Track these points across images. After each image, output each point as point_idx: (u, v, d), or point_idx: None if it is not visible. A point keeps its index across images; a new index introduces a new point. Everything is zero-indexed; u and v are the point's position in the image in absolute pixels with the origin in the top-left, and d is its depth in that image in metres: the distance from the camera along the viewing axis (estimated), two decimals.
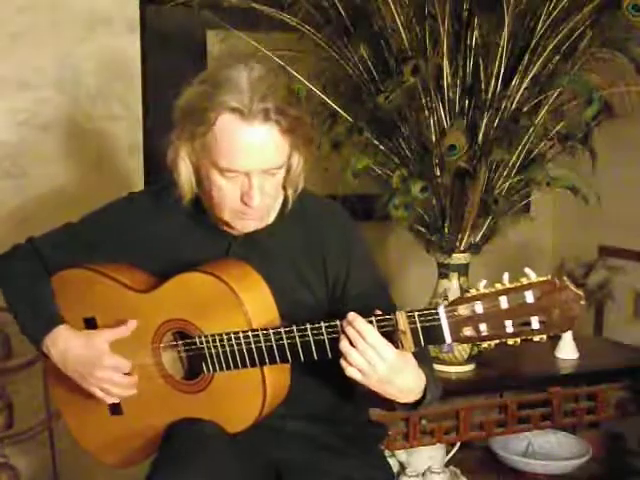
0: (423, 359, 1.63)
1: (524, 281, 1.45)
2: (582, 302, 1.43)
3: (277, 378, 1.67)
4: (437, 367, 2.54)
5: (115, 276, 1.77)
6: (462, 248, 2.49)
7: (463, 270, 2.52)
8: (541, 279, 1.43)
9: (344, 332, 1.53)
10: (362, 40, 2.39)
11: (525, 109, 2.38)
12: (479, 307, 1.46)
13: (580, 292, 1.43)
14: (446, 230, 2.47)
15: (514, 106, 2.37)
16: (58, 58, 2.71)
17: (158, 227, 1.78)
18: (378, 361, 1.51)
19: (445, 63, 2.33)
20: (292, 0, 2.40)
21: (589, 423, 2.80)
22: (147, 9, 2.81)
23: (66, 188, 2.75)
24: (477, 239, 2.50)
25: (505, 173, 2.44)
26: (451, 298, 2.46)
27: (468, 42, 2.36)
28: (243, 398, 1.67)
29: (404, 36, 2.33)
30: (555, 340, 2.73)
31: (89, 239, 1.83)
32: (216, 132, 1.59)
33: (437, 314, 1.49)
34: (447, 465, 2.66)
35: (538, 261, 3.51)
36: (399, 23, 2.31)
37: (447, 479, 2.60)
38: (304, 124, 1.64)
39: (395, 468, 2.51)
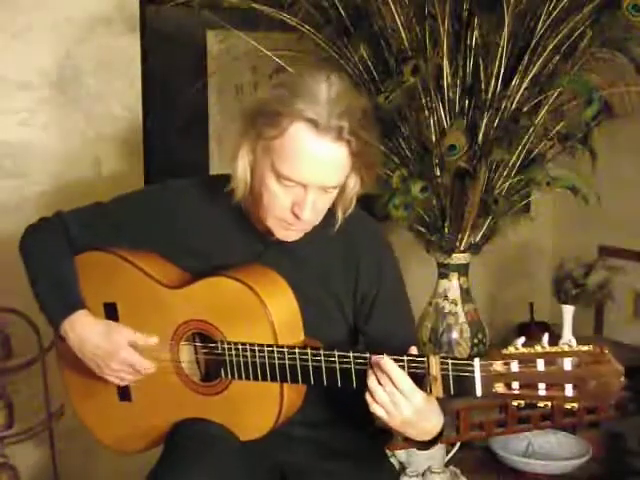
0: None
1: (565, 348, 1.42)
2: (622, 379, 1.40)
3: (295, 393, 1.67)
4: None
5: (142, 266, 1.76)
6: (462, 248, 2.49)
7: (463, 270, 2.52)
8: (583, 349, 1.41)
9: (372, 368, 1.51)
10: (362, 40, 2.38)
11: (525, 109, 2.38)
12: (515, 366, 1.44)
13: (621, 368, 1.40)
14: (446, 230, 2.47)
15: (514, 106, 2.36)
16: (58, 58, 2.71)
17: (192, 223, 1.75)
18: (405, 405, 1.50)
19: (445, 63, 2.33)
20: (292, 0, 2.39)
21: (589, 423, 2.80)
22: (147, 9, 2.81)
23: (66, 188, 2.74)
24: (477, 239, 2.50)
25: (505, 173, 2.43)
26: (451, 298, 2.50)
27: (468, 42, 2.36)
28: (259, 408, 1.66)
29: (404, 36, 2.33)
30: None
31: (118, 221, 1.80)
32: (286, 138, 1.55)
33: (472, 365, 1.47)
34: (447, 465, 2.66)
35: (538, 261, 3.51)
36: (399, 23, 2.31)
37: (447, 479, 2.61)
38: (372, 149, 1.62)
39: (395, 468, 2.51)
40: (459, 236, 2.47)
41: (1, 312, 2.44)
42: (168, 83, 2.84)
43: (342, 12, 2.39)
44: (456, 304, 2.50)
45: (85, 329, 1.73)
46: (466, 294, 2.52)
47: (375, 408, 1.52)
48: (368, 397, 1.52)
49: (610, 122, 2.45)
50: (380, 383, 1.50)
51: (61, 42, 2.71)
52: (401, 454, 2.57)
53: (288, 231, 1.65)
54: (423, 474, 2.58)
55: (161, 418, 1.76)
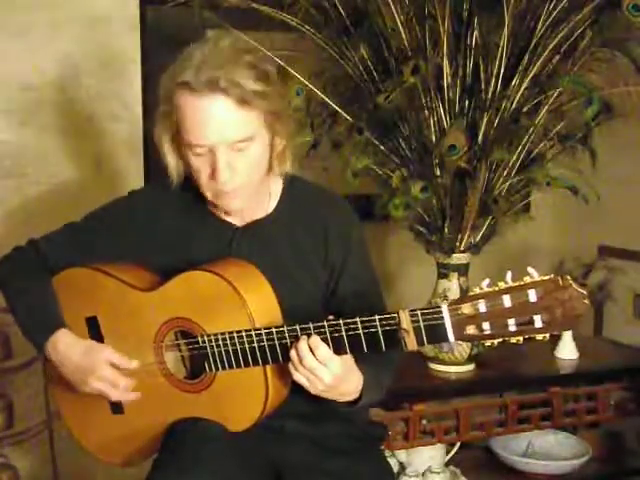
0: (373, 362, 1.64)
1: (527, 280, 1.45)
2: (586, 301, 1.43)
3: (279, 377, 1.67)
4: (437, 367, 2.55)
5: (118, 275, 1.77)
6: (462, 248, 2.49)
7: (463, 270, 2.52)
8: (544, 278, 1.44)
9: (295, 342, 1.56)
10: (362, 40, 2.39)
11: (525, 109, 2.38)
12: (482, 306, 1.47)
13: (583, 291, 1.43)
14: (446, 230, 2.47)
15: (514, 106, 2.36)
16: (58, 58, 2.71)
17: (159, 223, 1.79)
18: (325, 372, 1.55)
19: (445, 63, 2.33)
20: (292, 0, 2.39)
21: (589, 423, 2.80)
22: (147, 9, 2.81)
23: (66, 188, 2.74)
24: (477, 239, 2.50)
25: (505, 173, 2.43)
26: (451, 298, 2.50)
27: (468, 42, 2.36)
28: (245, 397, 1.67)
29: (404, 36, 2.33)
30: (555, 340, 2.73)
31: (90, 237, 1.83)
32: (176, 109, 1.61)
33: (440, 312, 1.49)
34: (447, 465, 2.66)
35: (538, 261, 3.51)
36: (399, 23, 2.31)
37: (447, 479, 2.60)
38: (270, 99, 1.63)
39: (395, 468, 2.51)
40: (459, 236, 2.47)
41: (1, 312, 2.44)
42: None
43: (342, 12, 2.39)
44: None
45: (65, 348, 1.74)
46: (466, 294, 2.52)
47: (297, 377, 1.57)
48: (290, 366, 1.56)
49: (610, 122, 2.45)
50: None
51: (61, 42, 2.71)
52: (401, 454, 2.56)
53: (225, 200, 1.68)
54: (423, 474, 2.58)
55: (155, 423, 1.76)
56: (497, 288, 1.46)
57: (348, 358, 1.58)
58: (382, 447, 1.98)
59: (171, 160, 1.70)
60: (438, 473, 2.57)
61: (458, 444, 2.65)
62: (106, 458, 1.88)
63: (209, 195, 1.68)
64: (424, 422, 2.45)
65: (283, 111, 1.68)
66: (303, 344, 1.55)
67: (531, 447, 2.86)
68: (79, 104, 2.75)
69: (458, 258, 2.50)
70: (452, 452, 2.67)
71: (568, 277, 1.43)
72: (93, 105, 2.77)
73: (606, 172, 2.55)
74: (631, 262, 3.16)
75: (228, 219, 1.76)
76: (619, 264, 3.12)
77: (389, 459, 1.96)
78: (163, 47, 2.82)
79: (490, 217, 2.47)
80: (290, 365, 1.57)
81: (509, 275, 1.47)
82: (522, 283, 1.45)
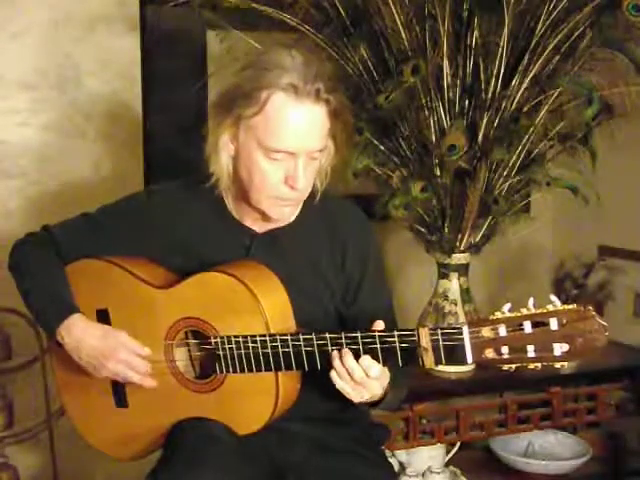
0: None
1: (550, 308, 1.45)
2: (607, 333, 1.43)
3: (290, 383, 1.67)
4: (437, 367, 2.54)
5: (132, 270, 1.76)
6: (462, 248, 2.49)
7: (463, 270, 2.52)
8: (567, 307, 1.44)
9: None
10: (362, 40, 2.39)
11: (525, 109, 2.38)
12: (503, 330, 1.46)
13: (605, 323, 1.43)
14: (446, 230, 2.47)
15: (514, 106, 2.36)
16: (58, 58, 2.71)
17: (178, 224, 1.77)
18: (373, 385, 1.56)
19: (445, 63, 2.33)
20: (292, 0, 2.39)
21: (589, 423, 2.80)
22: (147, 9, 2.81)
23: (66, 188, 2.74)
24: (477, 239, 2.50)
25: (505, 173, 2.43)
26: (451, 298, 2.50)
27: (468, 42, 2.36)
28: (255, 401, 1.66)
29: (404, 36, 2.33)
30: None
31: (106, 231, 1.82)
32: (267, 111, 1.59)
33: (461, 333, 1.49)
34: (447, 465, 2.66)
35: (538, 261, 3.51)
36: (399, 23, 2.31)
37: (447, 479, 2.60)
38: (348, 110, 1.66)
39: (395, 468, 2.51)
40: (459, 236, 2.47)
41: (1, 312, 2.44)
42: (168, 83, 2.83)
43: (342, 12, 2.39)
44: (456, 304, 2.50)
45: (81, 332, 1.73)
46: (466, 294, 2.52)
47: (341, 385, 1.57)
48: (334, 376, 1.56)
49: (610, 122, 2.45)
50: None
51: (61, 42, 2.71)
52: (401, 454, 2.57)
53: (283, 208, 1.68)
54: (423, 474, 2.58)
55: (159, 420, 1.75)
56: (519, 314, 1.46)
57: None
58: (384, 448, 1.98)
59: (224, 158, 1.67)
60: (438, 473, 2.57)
61: (458, 444, 2.65)
62: (109, 452, 1.87)
63: (265, 202, 1.67)
64: (424, 422, 2.45)
65: (351, 121, 1.71)
66: (350, 360, 1.55)
67: (531, 447, 2.86)
68: (79, 104, 2.75)
69: (458, 258, 2.50)
70: (452, 452, 2.67)
71: (591, 308, 1.43)
72: (93, 105, 2.77)
73: (606, 172, 2.55)
74: (631, 262, 3.15)
75: (248, 224, 1.76)
76: (619, 264, 3.12)
77: (389, 459, 1.96)
78: (163, 47, 2.83)
79: (490, 217, 2.47)
80: (335, 375, 1.56)
81: (531, 301, 1.47)
82: (544, 310, 1.45)
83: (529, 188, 2.51)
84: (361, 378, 1.55)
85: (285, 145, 1.60)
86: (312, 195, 1.73)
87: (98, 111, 2.78)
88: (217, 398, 1.69)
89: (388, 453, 2.39)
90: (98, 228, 1.82)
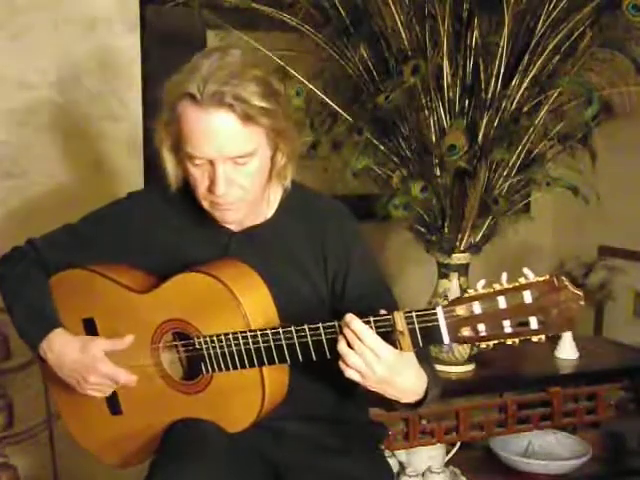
0: (424, 358, 1.61)
1: (522, 281, 1.43)
2: (581, 302, 1.41)
3: (276, 377, 1.67)
4: (437, 367, 2.53)
5: (114, 277, 1.77)
6: (462, 248, 2.49)
7: (463, 270, 2.52)
8: (539, 279, 1.42)
9: (342, 333, 1.52)
10: (362, 40, 2.39)
11: (525, 109, 2.38)
12: (477, 307, 1.46)
13: (579, 292, 1.42)
14: (446, 230, 2.47)
15: (514, 106, 2.36)
16: (58, 58, 2.71)
17: (157, 226, 1.79)
18: (376, 363, 1.50)
19: (445, 63, 2.33)
20: (292, 0, 2.39)
21: (589, 423, 2.80)
22: (147, 9, 2.81)
23: (66, 188, 2.75)
24: (477, 239, 2.50)
25: (505, 173, 2.43)
26: (451, 298, 2.50)
27: (468, 42, 2.36)
28: (242, 398, 1.67)
29: (404, 36, 2.33)
30: (555, 340, 2.73)
31: (88, 239, 1.83)
32: (180, 119, 1.60)
33: (435, 314, 1.48)
34: (447, 465, 2.66)
35: (538, 261, 3.51)
36: (399, 23, 2.31)
37: (447, 479, 2.60)
38: (275, 117, 1.62)
39: (395, 468, 2.51)
40: (459, 236, 2.47)
41: (1, 312, 2.44)
42: None
43: (342, 12, 2.39)
44: None
45: (63, 347, 1.74)
46: (462, 295, 2.52)
47: (350, 373, 1.52)
48: (341, 364, 1.52)
49: (610, 122, 2.45)
50: (349, 345, 1.50)
51: (61, 42, 2.71)
52: (401, 454, 2.56)
53: (221, 212, 1.68)
54: (423, 474, 2.57)
55: (153, 424, 1.76)
56: (492, 289, 1.45)
57: (405, 353, 1.53)
58: (382, 447, 1.98)
59: (170, 166, 1.70)
60: (438, 473, 2.57)
61: (458, 444, 2.65)
62: (105, 459, 1.88)
63: (205, 205, 1.68)
64: (424, 422, 2.45)
65: (287, 129, 1.67)
66: (349, 331, 1.49)
67: (531, 447, 2.86)
68: (79, 104, 2.75)
69: (458, 258, 2.50)
70: (452, 452, 2.67)
71: (563, 278, 1.42)
72: (93, 105, 2.77)
73: (606, 172, 2.55)
74: (631, 262, 3.16)
75: (225, 224, 1.76)
76: (619, 264, 3.13)
77: (389, 459, 1.96)
78: (163, 47, 2.83)
79: (490, 217, 2.47)
80: (340, 362, 1.52)
81: (504, 276, 1.46)
82: (517, 284, 1.43)
83: (529, 188, 2.51)
84: (361, 348, 1.49)
85: (198, 152, 1.60)
86: (285, 191, 1.74)
87: (98, 111, 2.78)
88: (206, 398, 1.69)
89: (388, 453, 2.39)
90: (81, 238, 1.84)
